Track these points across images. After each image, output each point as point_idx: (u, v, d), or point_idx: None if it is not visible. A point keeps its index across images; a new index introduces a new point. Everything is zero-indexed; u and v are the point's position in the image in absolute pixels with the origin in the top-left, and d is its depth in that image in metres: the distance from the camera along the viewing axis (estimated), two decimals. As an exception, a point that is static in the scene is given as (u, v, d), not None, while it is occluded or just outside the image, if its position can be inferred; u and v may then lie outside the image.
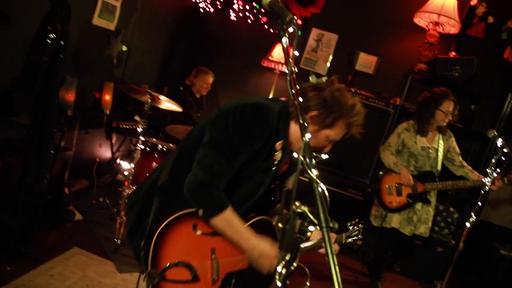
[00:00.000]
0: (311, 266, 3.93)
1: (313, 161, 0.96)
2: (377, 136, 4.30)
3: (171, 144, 3.69)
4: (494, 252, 3.98)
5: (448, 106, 3.21)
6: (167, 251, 1.51)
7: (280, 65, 4.79)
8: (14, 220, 2.60)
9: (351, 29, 4.98)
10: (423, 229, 3.40)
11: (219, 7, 5.23)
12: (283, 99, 1.71)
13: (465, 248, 2.99)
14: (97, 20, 3.77)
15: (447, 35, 4.59)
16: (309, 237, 1.82)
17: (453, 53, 4.62)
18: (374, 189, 3.54)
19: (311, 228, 0.90)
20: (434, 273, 4.14)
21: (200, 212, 1.52)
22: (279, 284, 0.97)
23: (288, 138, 1.66)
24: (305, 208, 0.92)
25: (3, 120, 2.89)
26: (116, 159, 4.46)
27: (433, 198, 3.43)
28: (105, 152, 4.45)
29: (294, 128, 1.64)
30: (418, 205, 3.38)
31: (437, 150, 3.35)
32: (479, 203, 2.92)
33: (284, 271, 0.96)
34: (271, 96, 4.94)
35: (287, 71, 1.19)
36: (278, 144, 1.62)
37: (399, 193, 3.38)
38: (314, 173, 0.93)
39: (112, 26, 4.02)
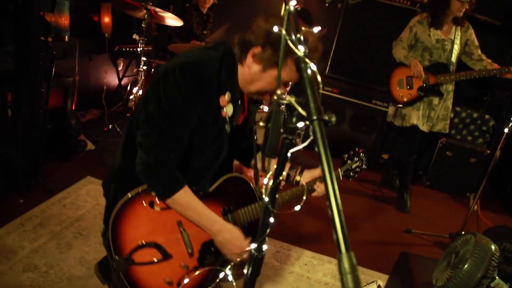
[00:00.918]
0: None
1: (300, 36, 0.70)
2: (403, 41, 3.91)
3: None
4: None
5: None
6: (128, 235, 1.44)
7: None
8: (17, 154, 2.51)
9: None
10: (442, 126, 3.31)
11: None
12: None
13: (501, 157, 2.73)
14: None
15: None
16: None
17: None
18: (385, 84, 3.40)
19: (299, 124, 0.66)
20: (466, 186, 3.94)
21: (154, 194, 1.42)
22: (266, 199, 0.76)
23: (237, 86, 1.45)
24: (291, 99, 0.67)
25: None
26: (125, 85, 4.27)
27: (451, 94, 3.27)
28: (113, 79, 4.25)
29: (241, 70, 1.43)
30: (435, 100, 3.22)
31: (453, 42, 3.12)
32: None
33: (270, 184, 0.75)
34: (283, 5, 4.49)
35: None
36: (223, 99, 1.42)
37: (410, 86, 3.24)
38: (301, 50, 0.67)
39: None
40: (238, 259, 1.54)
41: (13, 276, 2.01)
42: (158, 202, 1.45)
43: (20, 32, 2.23)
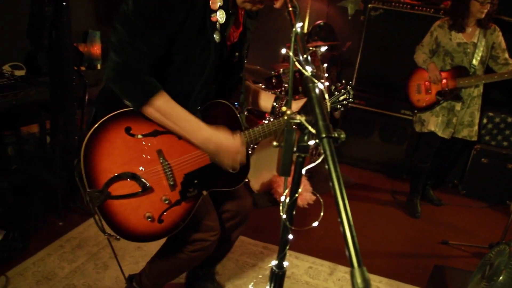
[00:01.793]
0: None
1: (307, 56, 0.73)
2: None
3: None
4: None
5: None
6: (101, 165, 1.31)
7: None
8: (55, 178, 2.63)
9: None
10: (467, 132, 3.18)
11: None
12: None
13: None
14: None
15: None
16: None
17: None
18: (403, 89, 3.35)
19: (311, 142, 0.69)
20: (505, 193, 3.77)
21: (128, 103, 1.30)
22: (284, 216, 0.78)
23: None
24: (301, 118, 0.70)
25: (34, 82, 2.86)
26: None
27: (477, 100, 3.15)
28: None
29: None
30: (457, 106, 3.12)
31: (476, 45, 3.01)
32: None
33: (287, 201, 0.77)
34: (307, 20, 4.54)
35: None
36: (214, 2, 1.29)
37: (428, 91, 3.17)
38: (308, 70, 0.70)
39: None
40: (237, 164, 1.44)
41: (54, 296, 2.10)
42: (135, 129, 1.35)
43: (54, 64, 2.37)
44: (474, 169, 3.82)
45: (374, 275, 2.54)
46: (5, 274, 2.16)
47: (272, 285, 0.85)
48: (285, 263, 0.84)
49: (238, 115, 1.55)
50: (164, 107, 1.30)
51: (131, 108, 1.34)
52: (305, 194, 3.36)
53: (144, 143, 1.37)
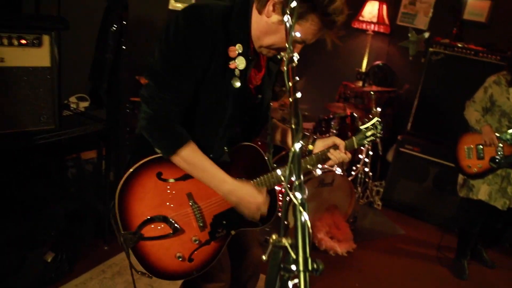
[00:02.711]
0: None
1: (301, 176, 0.74)
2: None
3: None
4: None
5: None
6: (135, 208, 1.39)
7: (373, 25, 4.32)
8: (104, 206, 2.82)
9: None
10: None
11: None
12: None
13: None
14: (173, 4, 3.79)
15: None
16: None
17: None
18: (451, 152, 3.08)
19: (293, 267, 0.70)
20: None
21: (158, 151, 1.37)
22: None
23: (250, 38, 1.37)
24: (287, 242, 0.71)
25: (93, 117, 3.08)
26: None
27: None
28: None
29: (258, 19, 1.35)
30: None
31: None
32: None
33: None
34: (365, 59, 4.50)
35: (285, 59, 0.94)
36: (232, 49, 1.34)
37: (480, 156, 2.88)
38: (298, 197, 0.72)
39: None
40: (258, 216, 1.48)
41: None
42: (166, 173, 1.41)
43: (110, 103, 2.57)
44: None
45: None
46: (50, 294, 2.34)
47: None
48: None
49: (266, 158, 1.59)
50: (190, 158, 1.37)
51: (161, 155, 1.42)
52: (346, 242, 3.28)
53: (174, 187, 1.44)
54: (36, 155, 2.45)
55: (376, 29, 4.35)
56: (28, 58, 2.11)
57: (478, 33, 4.04)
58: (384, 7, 4.36)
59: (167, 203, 1.43)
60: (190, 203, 1.45)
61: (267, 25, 1.32)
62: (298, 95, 0.92)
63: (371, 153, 3.86)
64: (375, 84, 4.31)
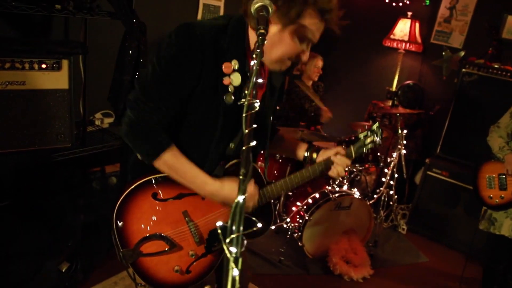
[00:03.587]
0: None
1: (240, 229, 0.72)
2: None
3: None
4: None
5: None
6: (132, 228, 1.46)
7: (404, 44, 4.20)
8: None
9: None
10: None
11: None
12: None
13: None
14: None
15: None
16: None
17: None
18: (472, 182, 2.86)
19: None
20: None
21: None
22: None
23: (247, 54, 1.39)
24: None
25: (113, 133, 3.20)
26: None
27: None
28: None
29: (252, 37, 1.38)
30: None
31: None
32: None
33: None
34: (396, 78, 4.38)
35: (244, 106, 0.94)
36: (227, 65, 1.36)
37: (502, 187, 2.68)
38: (232, 251, 0.71)
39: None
40: (249, 209, 1.50)
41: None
42: (161, 194, 1.47)
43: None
44: None
45: None
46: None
47: None
48: None
49: (262, 174, 1.60)
50: (172, 162, 1.40)
51: (156, 175, 1.47)
52: (362, 268, 3.19)
53: (170, 206, 1.50)
54: (57, 170, 2.59)
55: (407, 47, 4.23)
56: (48, 81, 2.25)
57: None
58: (417, 25, 4.23)
59: (164, 222, 1.49)
60: (186, 220, 1.51)
61: (269, 39, 1.31)
62: (253, 143, 0.92)
63: (396, 175, 3.74)
64: (405, 104, 4.17)
